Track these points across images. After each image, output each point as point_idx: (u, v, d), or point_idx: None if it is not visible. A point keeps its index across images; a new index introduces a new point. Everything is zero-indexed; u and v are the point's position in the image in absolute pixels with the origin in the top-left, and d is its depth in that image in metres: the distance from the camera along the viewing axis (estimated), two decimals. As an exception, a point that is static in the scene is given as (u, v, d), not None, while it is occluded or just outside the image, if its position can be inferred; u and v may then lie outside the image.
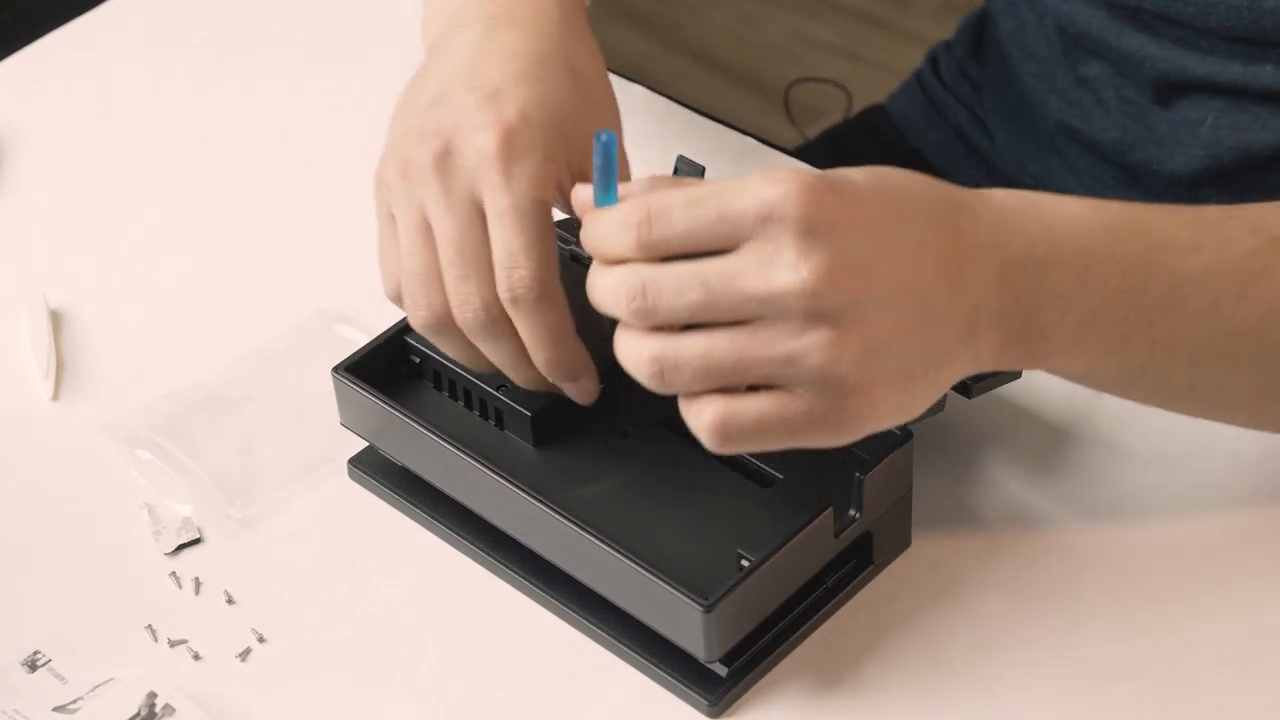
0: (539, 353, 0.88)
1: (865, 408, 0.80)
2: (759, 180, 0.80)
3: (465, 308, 0.87)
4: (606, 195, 0.83)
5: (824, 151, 1.37)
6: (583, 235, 0.83)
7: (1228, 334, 0.87)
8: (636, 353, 0.81)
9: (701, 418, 0.81)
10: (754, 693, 0.89)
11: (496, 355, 0.89)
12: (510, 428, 0.94)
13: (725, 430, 0.81)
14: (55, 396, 1.05)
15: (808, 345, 0.79)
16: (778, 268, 0.78)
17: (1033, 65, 1.19)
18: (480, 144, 0.87)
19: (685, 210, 0.80)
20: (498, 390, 0.93)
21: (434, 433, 0.92)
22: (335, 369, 0.96)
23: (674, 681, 0.89)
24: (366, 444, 0.99)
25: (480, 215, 0.87)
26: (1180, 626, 0.90)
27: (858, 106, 1.41)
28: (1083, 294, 0.84)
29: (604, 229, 0.82)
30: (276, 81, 1.23)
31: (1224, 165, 1.10)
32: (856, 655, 0.90)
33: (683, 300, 0.79)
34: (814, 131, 1.44)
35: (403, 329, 0.97)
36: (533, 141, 0.87)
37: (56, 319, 1.09)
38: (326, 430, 0.99)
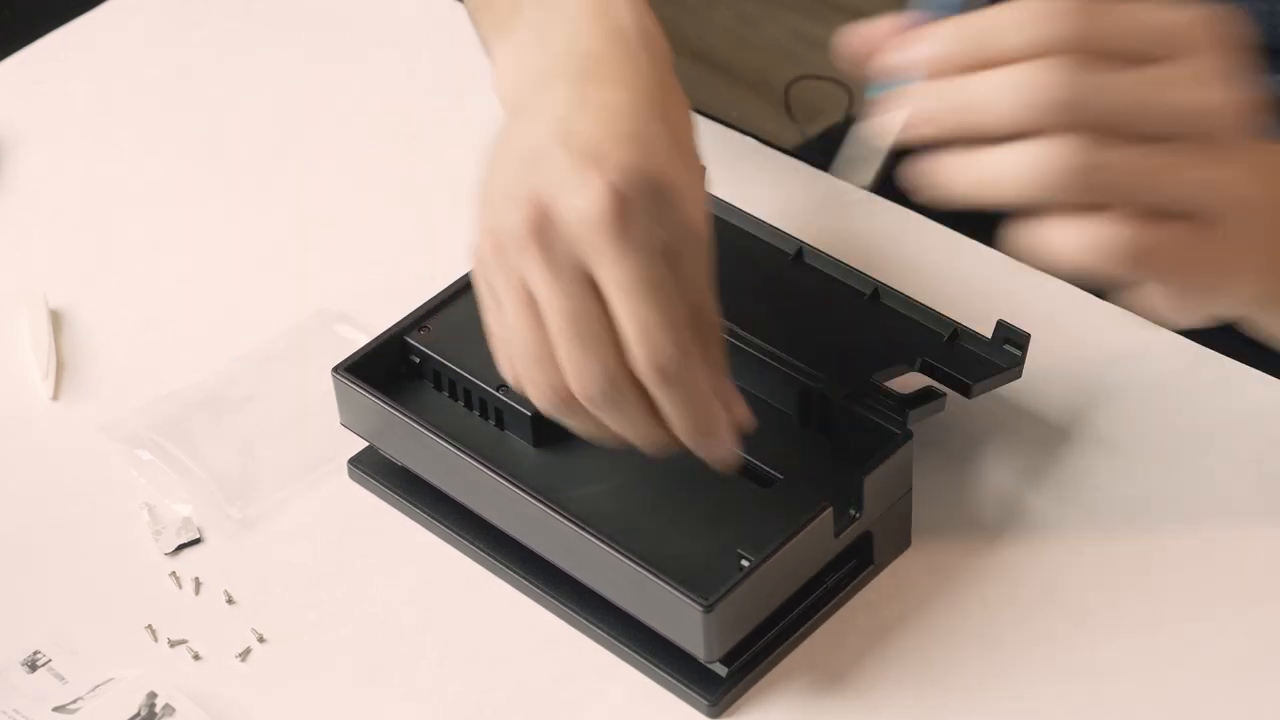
0: (685, 417, 0.83)
1: (1263, 257, 0.77)
2: (1180, 8, 0.74)
3: (586, 382, 0.82)
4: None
5: (826, 151, 1.36)
6: (949, 39, 0.74)
7: None
8: (1045, 151, 0.72)
9: (1111, 234, 0.74)
10: (754, 693, 0.89)
11: (623, 425, 0.84)
12: (510, 428, 0.94)
13: (1136, 251, 0.73)
14: (55, 396, 1.05)
15: (1239, 171, 0.74)
16: (1218, 85, 0.73)
17: None
18: (584, 209, 0.80)
19: (1116, 9, 0.72)
20: (498, 390, 0.93)
21: (434, 433, 0.92)
22: (335, 369, 0.96)
23: (674, 681, 0.89)
24: (366, 444, 0.99)
25: (590, 284, 0.81)
26: (1180, 626, 0.90)
27: (858, 106, 1.41)
28: None
29: (1010, 19, 0.72)
30: (276, 81, 1.23)
31: None
32: (856, 655, 0.90)
33: (1116, 98, 0.72)
34: (814, 130, 1.44)
35: (403, 329, 0.97)
36: (639, 207, 0.81)
37: (56, 319, 1.09)
38: (326, 430, 0.99)
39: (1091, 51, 0.72)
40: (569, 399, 0.83)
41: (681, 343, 0.81)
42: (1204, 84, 0.74)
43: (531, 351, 0.83)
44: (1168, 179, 0.73)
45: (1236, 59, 0.74)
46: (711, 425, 0.84)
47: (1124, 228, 0.73)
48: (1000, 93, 0.72)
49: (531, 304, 0.82)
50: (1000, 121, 0.73)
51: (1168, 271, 0.76)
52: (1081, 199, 0.73)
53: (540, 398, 0.84)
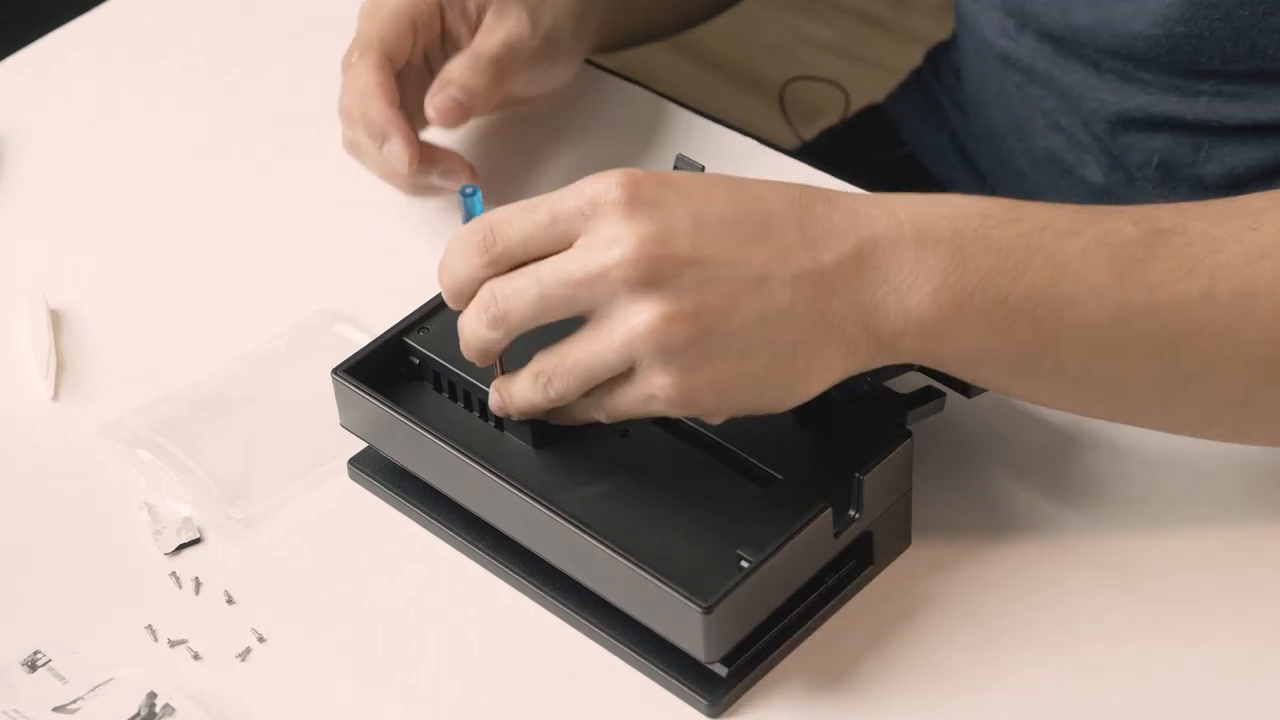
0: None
1: (714, 382, 0.84)
2: (587, 179, 0.84)
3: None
4: None
5: (821, 151, 1.36)
6: (440, 276, 0.88)
7: (1115, 319, 0.86)
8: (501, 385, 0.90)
9: (589, 416, 0.88)
10: (754, 693, 0.89)
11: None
12: (510, 428, 0.94)
13: (612, 417, 0.87)
14: (55, 396, 1.05)
15: (641, 323, 0.82)
16: (599, 246, 0.82)
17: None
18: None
19: (521, 218, 0.84)
20: (498, 390, 0.93)
21: (433, 434, 0.92)
22: (335, 370, 0.96)
23: (674, 681, 0.89)
24: (366, 444, 0.99)
25: None
26: (1180, 626, 0.90)
27: (856, 106, 1.41)
28: (956, 274, 0.85)
29: (454, 257, 0.86)
30: (276, 81, 1.23)
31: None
32: (856, 655, 0.90)
33: (523, 299, 0.84)
34: (811, 132, 1.44)
35: (403, 329, 0.97)
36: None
37: (56, 319, 1.09)
38: (326, 430, 0.99)
39: (513, 264, 0.85)
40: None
41: None
42: (592, 249, 0.83)
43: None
44: (596, 357, 0.84)
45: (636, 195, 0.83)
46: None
47: (591, 407, 0.88)
48: (463, 321, 0.88)
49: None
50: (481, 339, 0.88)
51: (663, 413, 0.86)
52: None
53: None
